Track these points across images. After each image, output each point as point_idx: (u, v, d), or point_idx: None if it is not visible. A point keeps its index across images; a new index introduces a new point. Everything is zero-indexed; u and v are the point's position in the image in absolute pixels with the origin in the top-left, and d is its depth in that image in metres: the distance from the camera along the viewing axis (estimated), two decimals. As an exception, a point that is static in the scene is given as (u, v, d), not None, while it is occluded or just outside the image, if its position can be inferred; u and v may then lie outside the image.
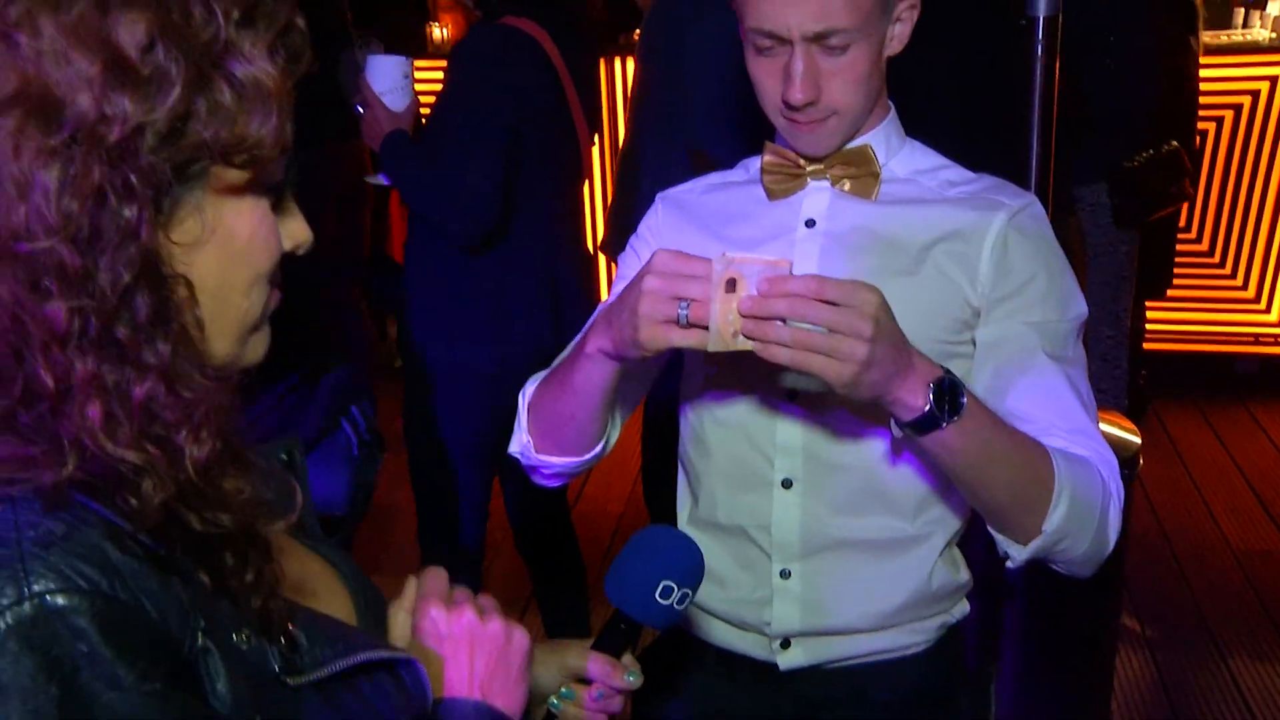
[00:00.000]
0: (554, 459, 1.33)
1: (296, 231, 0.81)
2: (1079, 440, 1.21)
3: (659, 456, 2.95)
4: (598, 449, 1.33)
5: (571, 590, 2.84)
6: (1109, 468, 1.21)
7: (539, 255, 2.39)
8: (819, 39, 1.19)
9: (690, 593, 1.06)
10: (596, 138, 2.67)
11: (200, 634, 0.70)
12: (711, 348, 1.06)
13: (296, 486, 0.85)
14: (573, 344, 1.27)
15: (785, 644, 1.36)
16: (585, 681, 1.06)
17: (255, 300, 0.77)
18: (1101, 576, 2.47)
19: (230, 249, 0.74)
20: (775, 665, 1.36)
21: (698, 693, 1.43)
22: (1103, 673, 2.68)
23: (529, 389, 1.35)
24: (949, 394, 1.09)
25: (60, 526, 0.66)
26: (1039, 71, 2.11)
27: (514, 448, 1.36)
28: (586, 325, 1.24)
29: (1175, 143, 3.25)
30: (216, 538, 0.71)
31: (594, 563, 3.42)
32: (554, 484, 1.39)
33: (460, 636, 0.92)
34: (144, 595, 0.68)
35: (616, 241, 2.36)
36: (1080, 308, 1.29)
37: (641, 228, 1.44)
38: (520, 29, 2.23)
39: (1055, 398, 1.23)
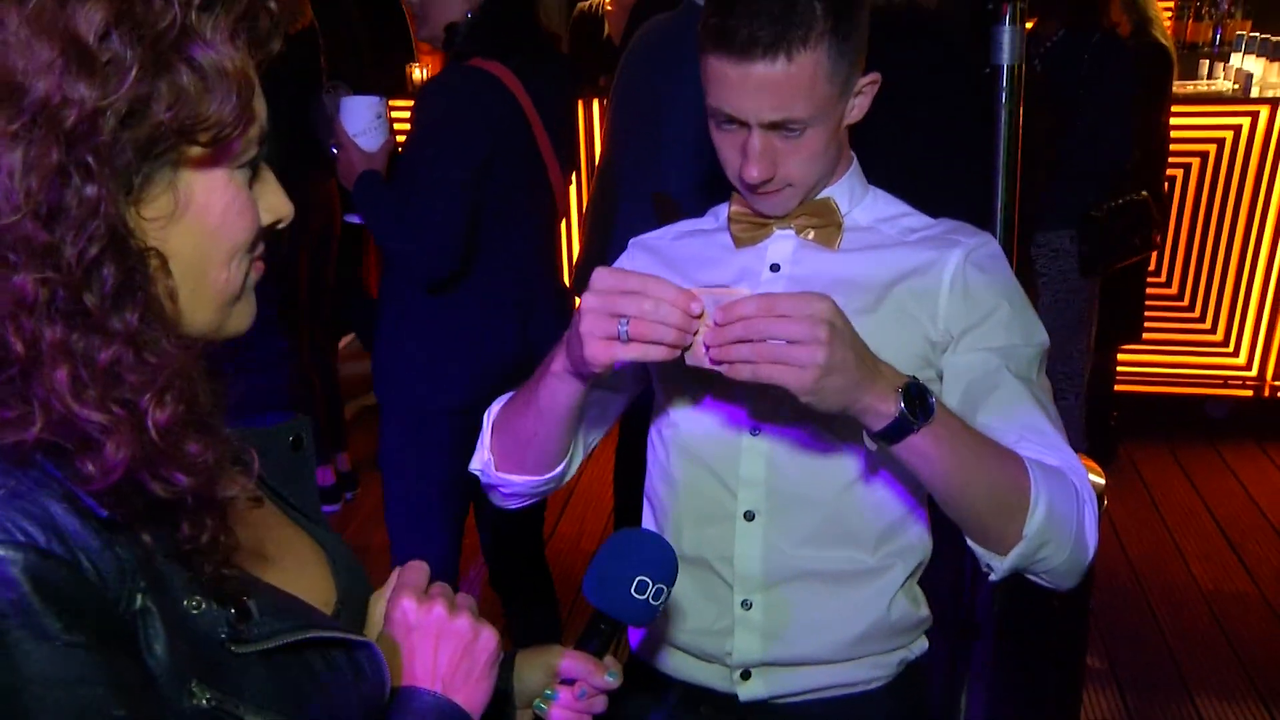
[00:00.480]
0: (514, 477, 1.34)
1: (276, 205, 0.85)
2: (1050, 453, 1.22)
3: (632, 495, 2.94)
4: (558, 470, 1.34)
5: (544, 626, 2.84)
6: (1079, 478, 1.22)
7: (510, 294, 2.40)
8: (775, 127, 1.24)
9: (665, 589, 1.09)
10: (574, 177, 2.70)
11: (141, 595, 0.73)
12: (690, 362, 1.10)
13: (255, 456, 0.86)
14: (540, 366, 1.28)
15: (745, 675, 1.37)
16: (569, 683, 1.09)
17: (235, 272, 0.81)
18: (1068, 616, 2.50)
19: (205, 223, 0.78)
20: (736, 697, 1.37)
21: None
22: (1071, 713, 2.69)
23: (494, 408, 1.37)
24: (918, 398, 1.10)
25: (11, 483, 0.70)
26: (1003, 119, 2.16)
27: (475, 464, 1.37)
28: (553, 348, 1.26)
29: (1144, 193, 3.31)
30: (174, 503, 0.74)
31: (565, 600, 3.41)
32: (512, 505, 1.40)
33: (427, 629, 0.94)
34: (82, 553, 0.71)
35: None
36: (1042, 336, 1.32)
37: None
38: (487, 70, 2.26)
39: (1023, 414, 1.24)
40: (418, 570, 0.99)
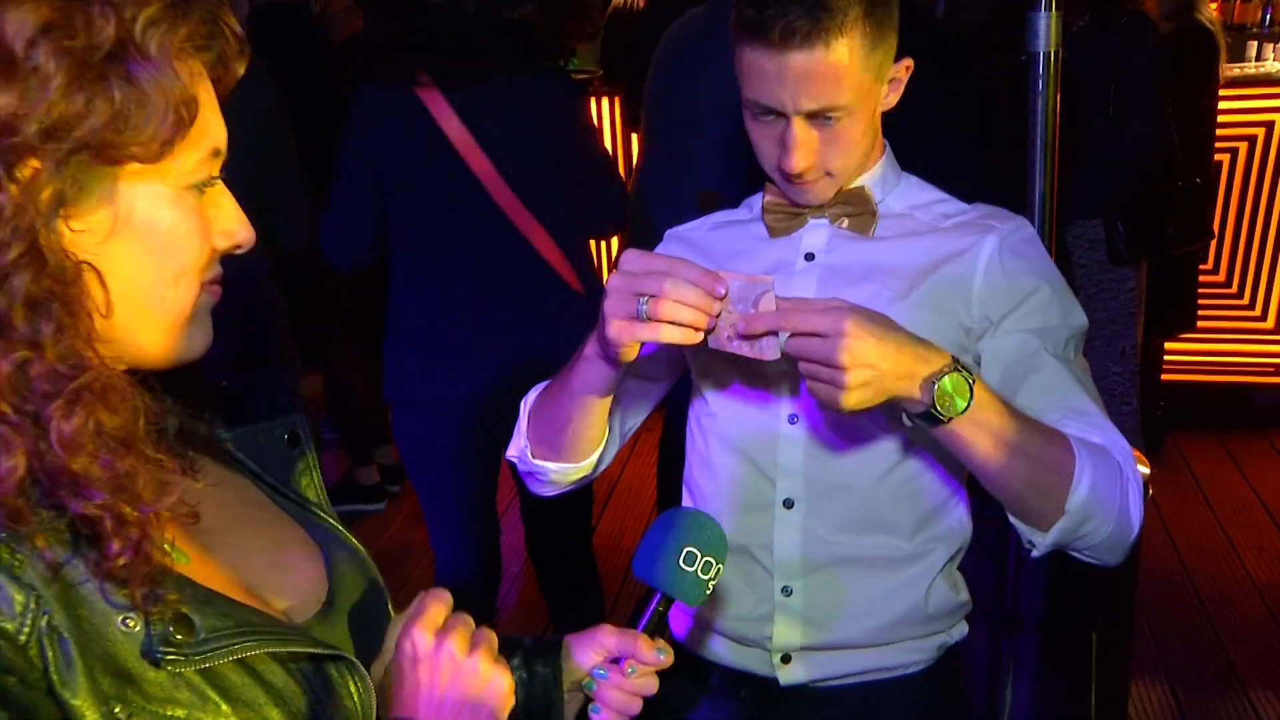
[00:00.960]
0: (549, 464, 1.34)
1: (233, 229, 0.83)
2: (1092, 432, 1.21)
3: (674, 490, 2.94)
4: (593, 457, 1.35)
5: (590, 620, 2.85)
6: (1123, 454, 1.21)
7: (444, 297, 2.46)
8: (813, 116, 1.24)
9: (714, 562, 1.08)
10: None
11: (47, 621, 0.71)
12: (711, 345, 1.11)
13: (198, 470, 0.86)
14: (576, 351, 1.29)
15: (786, 659, 1.39)
16: (619, 662, 1.08)
17: (183, 294, 0.79)
18: (1115, 609, 2.46)
19: (149, 241, 0.77)
20: (776, 681, 1.39)
21: (703, 712, 1.46)
22: (1119, 707, 2.66)
23: (531, 395, 1.38)
24: (953, 386, 1.09)
25: None
26: (1040, 106, 2.13)
27: (512, 452, 1.39)
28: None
29: (1180, 182, 3.24)
30: (95, 520, 0.72)
31: (609, 595, 3.43)
32: (548, 493, 1.41)
33: (435, 664, 0.90)
34: None
35: None
36: (1080, 318, 1.31)
37: None
38: (398, 86, 2.32)
39: (1064, 393, 1.24)
40: (438, 600, 0.93)
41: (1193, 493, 3.87)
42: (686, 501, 1.48)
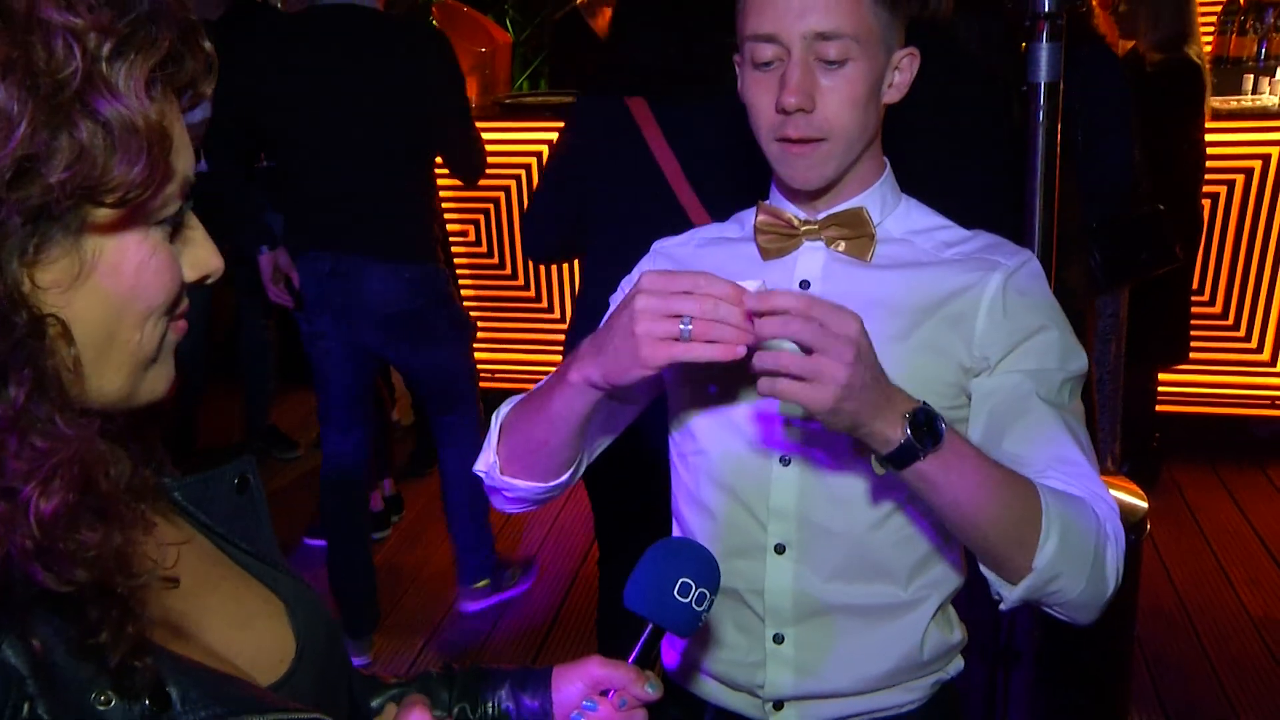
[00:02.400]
0: (519, 482, 1.31)
1: (203, 260, 0.78)
2: (1076, 482, 1.19)
3: (610, 503, 2.92)
4: (565, 477, 1.32)
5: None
6: (1106, 508, 1.18)
7: None
8: (819, 42, 1.19)
9: (708, 594, 1.06)
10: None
11: (28, 702, 0.67)
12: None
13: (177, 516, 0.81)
14: (553, 373, 1.26)
15: (778, 706, 1.36)
16: (608, 694, 1.06)
17: (149, 335, 0.74)
18: (1111, 643, 2.44)
19: (116, 286, 0.71)
20: None
21: None
22: (1116, 743, 2.63)
23: (503, 410, 1.34)
24: (926, 424, 1.07)
25: None
26: (1040, 136, 2.13)
27: (479, 466, 1.34)
28: (570, 356, 1.22)
29: (1155, 208, 3.25)
30: (71, 596, 0.67)
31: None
32: (513, 509, 1.37)
33: None
34: None
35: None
36: (1079, 362, 1.28)
37: (636, 275, 1.44)
38: (613, 100, 2.50)
39: (1052, 441, 1.21)
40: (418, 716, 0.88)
41: (1189, 525, 3.85)
42: (675, 533, 1.45)
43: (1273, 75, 4.14)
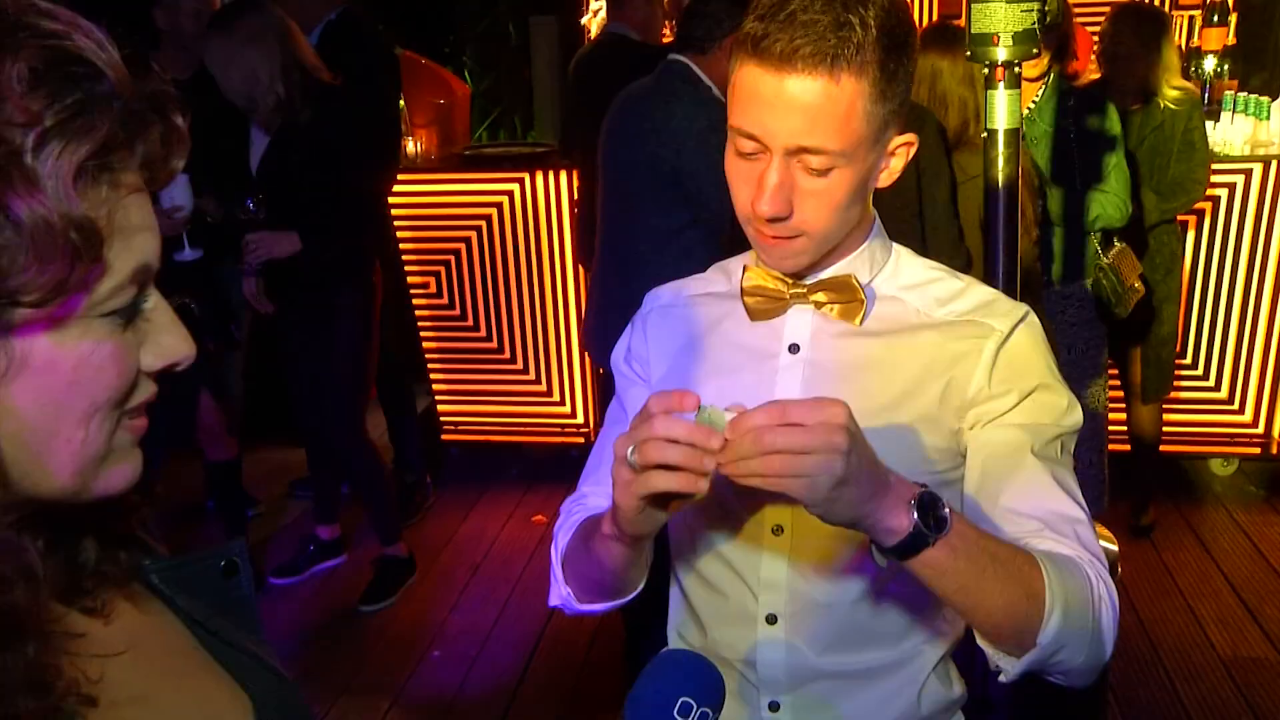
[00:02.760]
0: (598, 605, 1.30)
1: (169, 348, 0.73)
2: (1067, 541, 1.16)
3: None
4: (639, 588, 1.29)
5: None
6: (1097, 568, 1.16)
7: None
8: (801, 153, 1.14)
9: (711, 713, 1.02)
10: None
11: None
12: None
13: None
14: (598, 514, 1.21)
15: None
16: None
17: (95, 433, 0.69)
18: (1086, 689, 2.42)
19: (52, 380, 0.66)
20: None
21: None
22: (1093, 789, 2.60)
23: (560, 540, 1.32)
24: (931, 510, 1.03)
25: None
26: (1000, 182, 2.15)
27: (554, 600, 1.33)
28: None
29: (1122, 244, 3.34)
30: None
31: (568, 678, 3.33)
32: (599, 613, 1.35)
33: None
34: None
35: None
36: (1074, 418, 1.25)
37: (634, 342, 1.41)
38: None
39: (1045, 500, 1.19)
40: None
41: (1155, 564, 3.86)
42: (673, 589, 1.42)
43: (1217, 120, 4.23)
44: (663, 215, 2.91)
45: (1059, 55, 3.20)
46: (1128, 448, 4.08)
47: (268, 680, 0.87)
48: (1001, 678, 1.14)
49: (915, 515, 1.02)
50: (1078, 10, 3.86)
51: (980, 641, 1.15)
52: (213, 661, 0.84)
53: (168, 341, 0.72)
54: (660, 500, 1.04)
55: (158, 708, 0.76)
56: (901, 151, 1.22)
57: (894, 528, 1.02)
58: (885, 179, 1.23)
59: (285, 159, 3.32)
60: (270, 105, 3.23)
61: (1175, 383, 4.07)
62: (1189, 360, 4.24)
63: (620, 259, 3.03)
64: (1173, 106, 3.57)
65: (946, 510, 1.04)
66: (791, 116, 1.12)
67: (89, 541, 0.74)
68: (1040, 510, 1.18)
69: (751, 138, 1.16)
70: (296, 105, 3.23)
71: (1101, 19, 3.80)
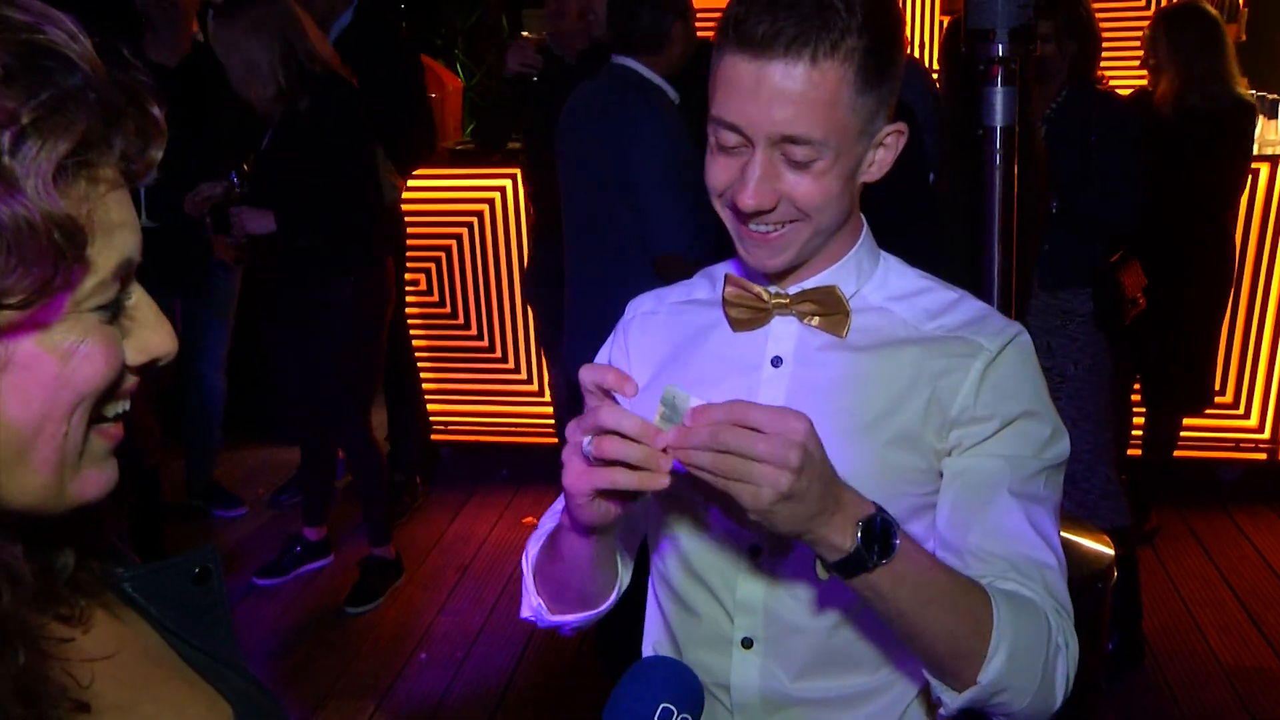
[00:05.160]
0: (569, 617, 1.28)
1: (152, 344, 0.72)
2: (1031, 585, 1.14)
3: None
4: (610, 599, 1.28)
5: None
6: (1060, 617, 1.14)
7: None
8: (784, 144, 1.10)
9: (691, 718, 1.03)
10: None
11: None
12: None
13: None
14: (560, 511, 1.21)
15: None
16: None
17: (77, 425, 0.68)
18: (1080, 695, 2.36)
19: (38, 379, 0.65)
20: None
21: None
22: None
23: (531, 551, 1.30)
24: (880, 535, 1.01)
25: None
26: (997, 180, 2.09)
27: (525, 613, 1.31)
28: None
29: (1122, 251, 3.27)
30: None
31: (557, 679, 3.28)
32: (570, 633, 1.33)
33: None
34: None
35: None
36: (1058, 449, 1.21)
37: (614, 352, 1.38)
38: None
39: (1014, 539, 1.16)
40: None
41: (1156, 571, 3.79)
42: (651, 605, 1.39)
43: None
44: (623, 231, 2.85)
45: (1080, 57, 3.14)
46: (1138, 453, 4.01)
47: (245, 688, 0.86)
48: (941, 710, 1.14)
49: (859, 537, 1.00)
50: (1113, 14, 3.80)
51: (924, 669, 1.14)
52: (189, 669, 0.84)
53: (151, 338, 0.72)
54: (613, 493, 1.04)
55: (139, 717, 0.76)
56: (891, 142, 1.18)
57: (835, 544, 1.01)
58: (875, 171, 1.19)
59: (285, 147, 3.33)
60: (270, 95, 3.24)
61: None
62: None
63: (587, 280, 3.00)
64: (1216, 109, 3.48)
65: (897, 538, 1.02)
66: (774, 104, 1.08)
67: (65, 549, 0.74)
68: (1009, 553, 1.15)
69: (733, 129, 1.12)
70: (296, 94, 3.24)
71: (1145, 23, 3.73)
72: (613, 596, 1.27)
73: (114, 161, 0.66)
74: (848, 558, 1.01)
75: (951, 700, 1.10)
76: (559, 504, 1.33)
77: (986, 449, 1.18)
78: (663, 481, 0.98)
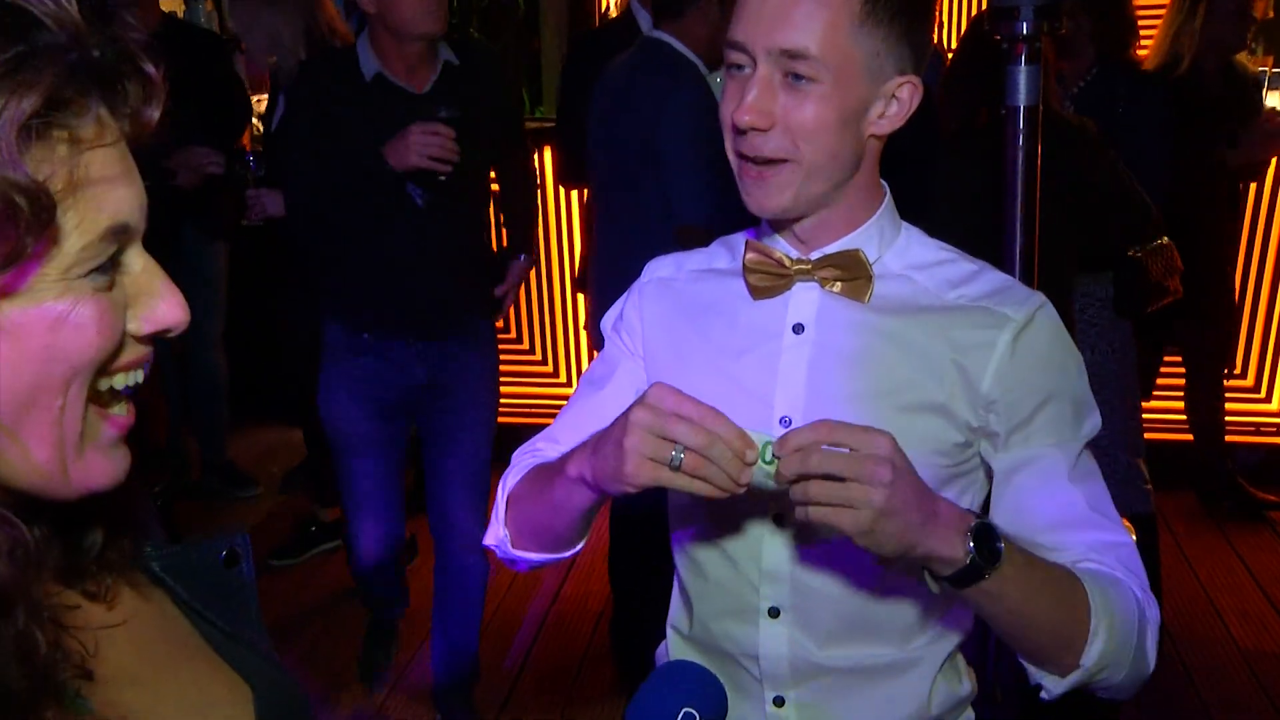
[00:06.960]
0: (531, 555, 1.28)
1: (159, 314, 0.70)
2: (1109, 561, 1.17)
3: (626, 544, 3.05)
4: (576, 548, 1.29)
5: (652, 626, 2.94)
6: (1141, 585, 1.17)
7: None
8: (785, 60, 1.11)
9: None
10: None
11: None
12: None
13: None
14: (559, 457, 1.20)
15: None
16: None
17: (74, 399, 0.66)
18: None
19: (25, 346, 0.64)
20: None
21: None
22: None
23: (510, 481, 1.30)
24: (987, 541, 1.04)
25: None
26: (1020, 160, 2.06)
27: (490, 540, 1.31)
28: (576, 445, 1.16)
29: (1167, 239, 3.19)
30: None
31: (569, 666, 3.28)
32: (522, 569, 1.33)
33: None
34: None
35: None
36: (1094, 420, 1.23)
37: (628, 310, 1.36)
38: None
39: (1083, 528, 1.18)
40: None
41: (1174, 555, 3.76)
42: (676, 587, 1.39)
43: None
44: (650, 203, 2.86)
45: (1109, 35, 3.09)
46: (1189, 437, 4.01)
47: (267, 671, 0.86)
48: (1043, 695, 1.15)
49: (971, 545, 1.02)
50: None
51: (1021, 659, 1.16)
52: (211, 650, 0.84)
53: (158, 304, 0.70)
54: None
55: (156, 691, 0.76)
56: (905, 94, 1.17)
57: (948, 559, 1.03)
58: (886, 125, 1.18)
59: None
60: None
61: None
62: (1213, 346, 4.12)
63: (613, 247, 3.01)
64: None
65: (1001, 542, 1.04)
66: (776, 19, 1.11)
67: (94, 528, 0.74)
68: (1081, 541, 1.18)
69: (737, 46, 1.14)
70: None
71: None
72: (578, 547, 1.28)
73: (95, 120, 0.64)
74: (964, 570, 1.03)
75: (1055, 685, 1.13)
76: (552, 440, 1.35)
77: (1031, 440, 1.19)
78: (724, 495, 1.01)
